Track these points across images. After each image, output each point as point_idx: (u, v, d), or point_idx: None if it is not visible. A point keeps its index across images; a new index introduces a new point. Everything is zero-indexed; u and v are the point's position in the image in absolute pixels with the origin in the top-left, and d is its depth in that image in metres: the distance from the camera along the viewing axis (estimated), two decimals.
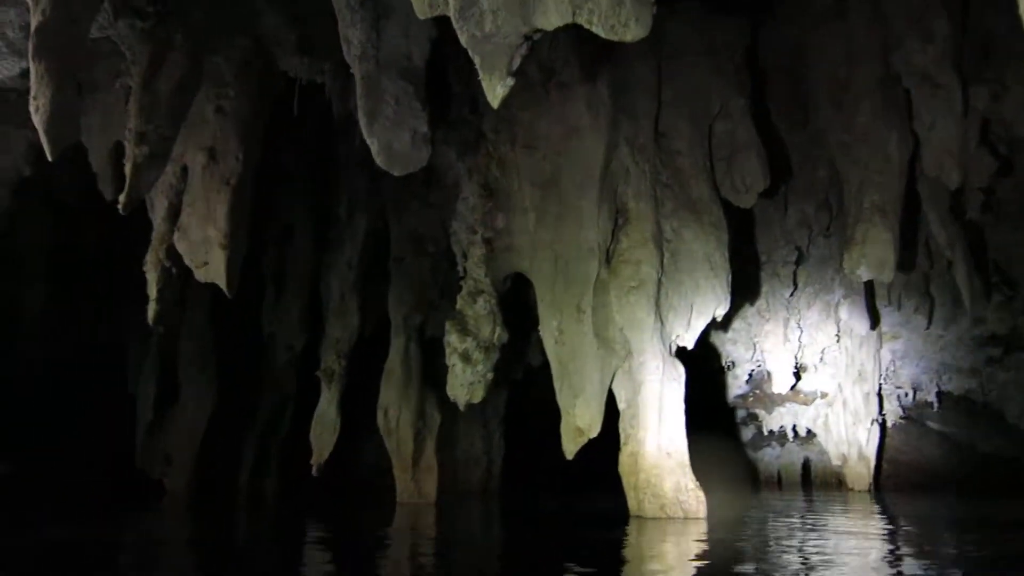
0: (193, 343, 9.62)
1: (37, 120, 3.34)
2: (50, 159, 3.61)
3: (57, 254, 10.12)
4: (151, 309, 6.56)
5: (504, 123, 6.37)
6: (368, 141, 3.19)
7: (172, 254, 6.49)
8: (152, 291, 6.56)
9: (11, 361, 11.00)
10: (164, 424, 9.87)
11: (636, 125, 6.16)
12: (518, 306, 9.16)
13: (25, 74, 6.33)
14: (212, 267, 6.11)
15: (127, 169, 4.99)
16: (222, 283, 6.16)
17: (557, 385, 6.14)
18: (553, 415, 6.30)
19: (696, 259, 6.29)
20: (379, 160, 3.18)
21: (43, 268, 10.08)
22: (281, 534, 5.61)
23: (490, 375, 6.47)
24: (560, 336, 6.10)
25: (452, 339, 6.40)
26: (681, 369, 6.18)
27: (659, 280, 6.05)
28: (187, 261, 6.19)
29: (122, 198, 4.94)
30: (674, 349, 6.29)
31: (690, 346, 6.46)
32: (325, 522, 6.68)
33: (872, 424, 11.24)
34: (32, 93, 3.35)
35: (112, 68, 6.54)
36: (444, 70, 6.83)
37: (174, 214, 6.40)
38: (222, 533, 5.56)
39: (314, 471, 8.36)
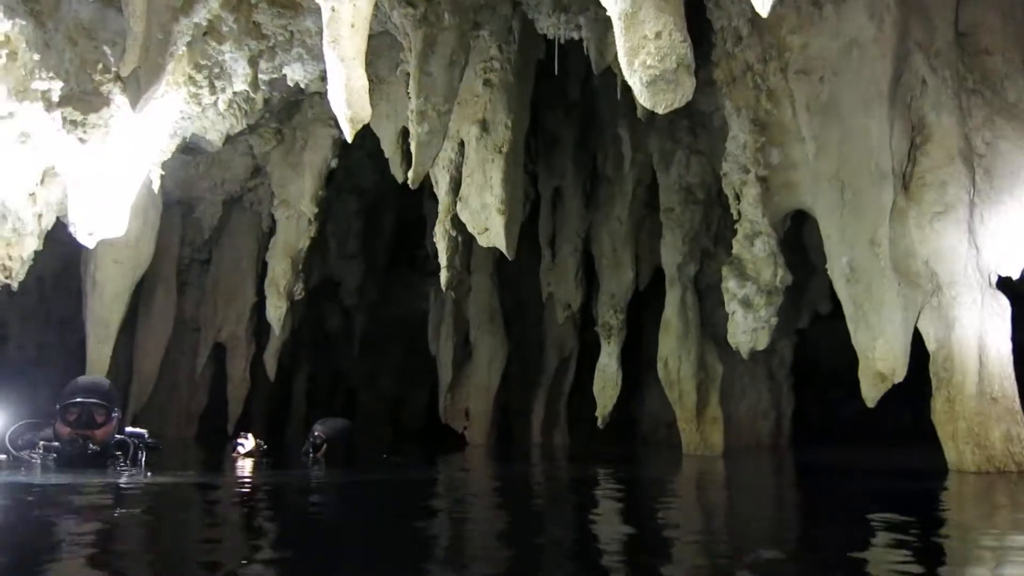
0: (481, 306, 10.35)
1: (334, 105, 3.77)
2: (348, 139, 4.05)
3: (364, 234, 11.45)
4: (443, 276, 7.17)
5: (772, 51, 5.93)
6: (629, 81, 3.13)
7: (457, 223, 7.03)
8: (442, 259, 7.17)
9: (342, 333, 12.74)
10: (462, 382, 10.78)
11: (930, 27, 5.37)
12: (799, 245, 8.58)
13: (324, 76, 7.21)
14: (492, 232, 6.51)
15: (412, 147, 5.45)
16: (502, 246, 6.54)
17: (852, 327, 5.64)
18: (848, 362, 5.82)
19: (1018, 173, 5.37)
20: (643, 99, 3.11)
21: (357, 248, 11.47)
22: (574, 482, 5.85)
23: (774, 320, 6.14)
24: (852, 274, 5.58)
25: (730, 285, 6.17)
26: (1005, 302, 5.36)
27: (971, 202, 5.27)
28: (470, 228, 6.66)
29: (410, 175, 5.43)
30: (995, 280, 5.46)
31: (1016, 275, 5.56)
32: (614, 471, 6.84)
33: None
34: (328, 82, 3.78)
35: (392, 60, 7.18)
36: (702, 8, 6.53)
37: (456, 186, 6.91)
38: (529, 479, 5.94)
39: (599, 423, 8.60)
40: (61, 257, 9.01)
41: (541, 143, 9.53)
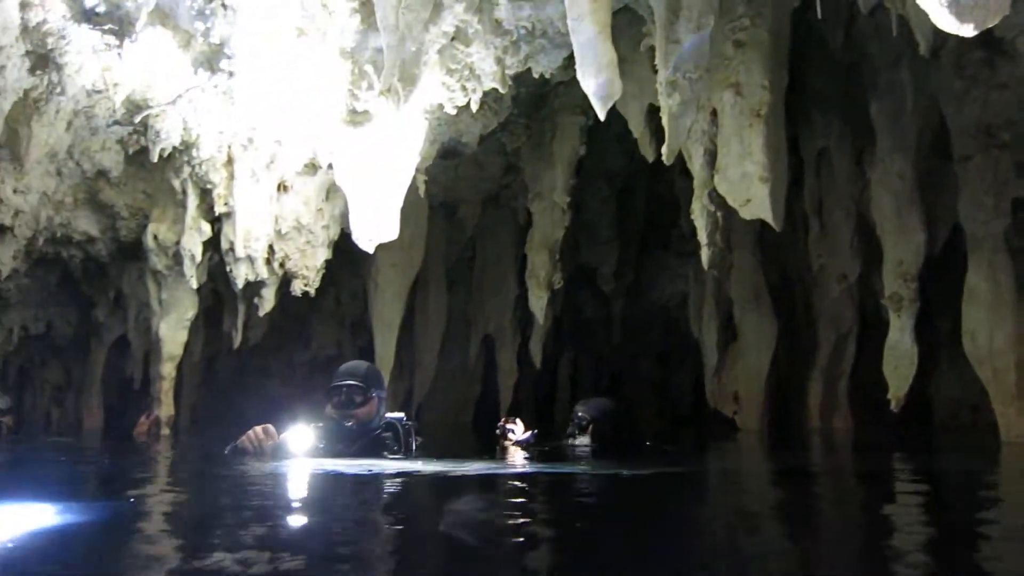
0: (745, 284, 9.77)
1: (584, 83, 3.65)
2: (601, 117, 3.93)
3: (617, 219, 11.37)
4: (704, 254, 6.81)
5: None
6: (924, 4, 2.63)
7: (715, 198, 6.63)
8: (702, 237, 6.80)
9: (601, 319, 12.82)
10: (729, 365, 10.27)
11: None
12: None
13: (567, 65, 7.16)
14: (756, 203, 6.03)
15: (664, 121, 5.20)
16: (768, 217, 6.04)
17: None
18: None
19: None
20: (944, 22, 2.59)
21: (611, 233, 11.43)
22: (861, 471, 5.23)
23: None
24: None
25: None
26: None
27: None
28: (730, 201, 6.23)
29: (664, 150, 5.17)
30: None
31: None
32: (911, 460, 6.04)
33: None
34: (576, 62, 3.67)
35: (634, 38, 6.94)
36: None
37: (711, 159, 6.51)
38: (813, 470, 5.45)
39: (893, 406, 7.67)
40: (349, 264, 10.00)
41: (799, 102, 8.72)
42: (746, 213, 6.11)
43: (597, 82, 3.48)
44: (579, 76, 3.64)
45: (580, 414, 5.95)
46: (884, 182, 7.85)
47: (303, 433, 3.96)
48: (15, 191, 7.33)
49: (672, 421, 13.06)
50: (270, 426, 3.95)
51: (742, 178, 6.00)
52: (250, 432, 3.91)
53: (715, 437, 9.16)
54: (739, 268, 9.78)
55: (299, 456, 3.92)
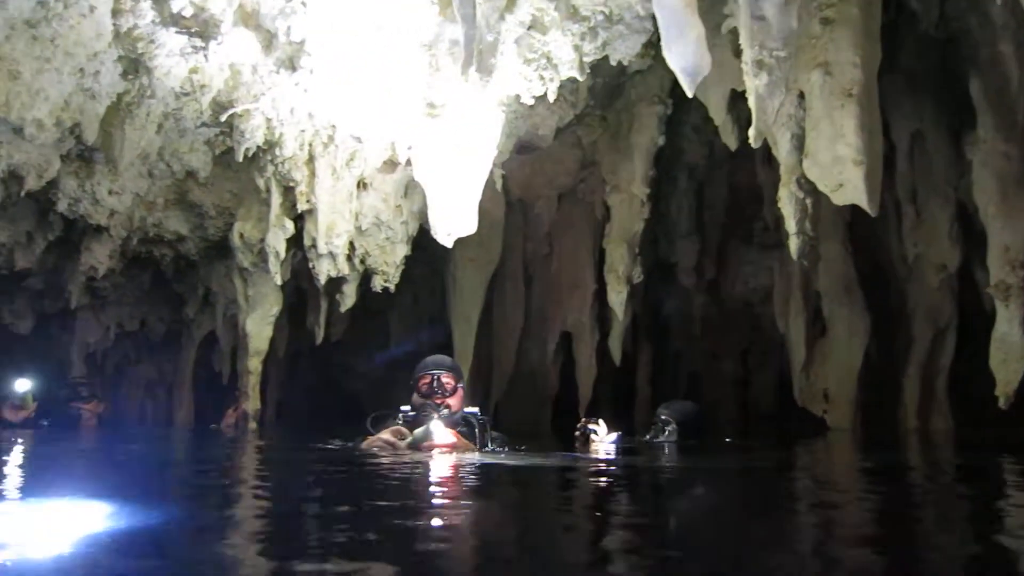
0: (834, 276, 9.38)
1: (671, 59, 3.52)
2: (689, 94, 3.78)
3: (697, 212, 11.09)
4: (793, 243, 6.52)
5: None
6: None
7: (804, 184, 6.35)
8: (790, 225, 6.52)
9: (681, 315, 12.55)
10: (818, 361, 9.86)
11: None
12: None
13: (645, 52, 7.00)
14: (849, 188, 5.72)
15: (751, 102, 4.99)
16: (862, 202, 5.73)
17: None
18: None
19: None
20: None
21: (690, 226, 11.16)
22: (963, 471, 4.89)
23: None
24: None
25: None
26: None
27: None
28: (821, 187, 5.93)
29: (751, 132, 4.97)
30: None
31: None
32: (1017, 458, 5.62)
33: None
34: (663, 40, 3.53)
35: (713, 20, 6.70)
36: None
37: (799, 144, 6.23)
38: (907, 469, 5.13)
39: (1001, 403, 7.19)
40: (426, 261, 10.06)
41: (888, 83, 8.28)
42: (838, 199, 5.81)
43: (685, 57, 3.34)
44: (665, 53, 3.50)
45: (663, 417, 5.92)
46: (988, 164, 7.37)
47: (444, 430, 3.78)
48: (110, 192, 7.65)
49: (756, 419, 12.67)
50: (402, 428, 3.85)
51: (834, 162, 5.70)
52: (380, 443, 3.81)
53: (803, 436, 8.80)
54: (827, 259, 9.38)
55: (444, 447, 3.75)
